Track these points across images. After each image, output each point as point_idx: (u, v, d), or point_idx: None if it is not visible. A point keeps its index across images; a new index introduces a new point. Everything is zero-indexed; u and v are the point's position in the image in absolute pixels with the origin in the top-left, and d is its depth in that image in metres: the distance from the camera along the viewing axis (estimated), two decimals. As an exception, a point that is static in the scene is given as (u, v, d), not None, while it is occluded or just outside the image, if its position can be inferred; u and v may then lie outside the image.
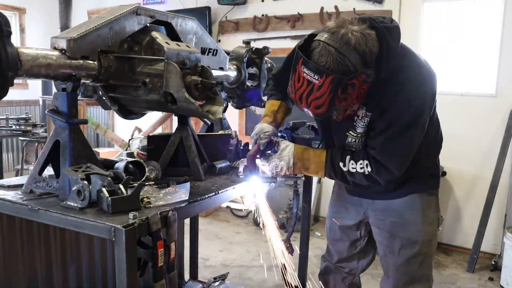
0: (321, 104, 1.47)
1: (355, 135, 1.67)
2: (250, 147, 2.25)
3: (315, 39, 1.50)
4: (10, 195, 1.45)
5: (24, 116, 4.96)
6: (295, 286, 2.20)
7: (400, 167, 1.61)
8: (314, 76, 1.42)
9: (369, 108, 1.60)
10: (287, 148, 1.72)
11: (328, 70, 1.41)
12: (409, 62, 1.59)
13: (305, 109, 1.53)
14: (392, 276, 1.88)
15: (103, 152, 5.61)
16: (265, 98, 2.14)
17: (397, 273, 1.85)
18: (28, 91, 6.60)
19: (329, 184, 4.39)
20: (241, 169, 1.85)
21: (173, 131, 1.83)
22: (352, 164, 1.63)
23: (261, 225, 2.03)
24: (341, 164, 1.65)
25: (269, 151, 1.74)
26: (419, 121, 1.57)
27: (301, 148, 1.73)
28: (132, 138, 2.12)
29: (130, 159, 1.59)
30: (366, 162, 1.61)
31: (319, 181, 4.70)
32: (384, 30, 1.51)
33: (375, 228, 1.90)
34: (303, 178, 2.03)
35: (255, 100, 2.34)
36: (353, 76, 1.43)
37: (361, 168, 1.61)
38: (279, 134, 2.40)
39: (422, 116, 1.57)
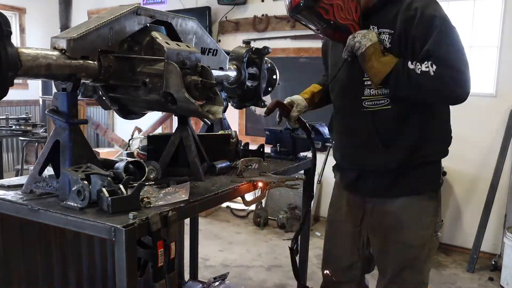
0: (345, 9, 1.60)
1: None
2: (250, 147, 2.25)
3: None
4: (10, 195, 1.45)
5: (24, 116, 4.97)
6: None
7: (463, 61, 1.60)
8: None
9: (382, 26, 1.67)
10: (372, 32, 1.65)
11: None
12: None
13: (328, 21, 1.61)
14: (386, 278, 1.86)
15: (103, 152, 5.61)
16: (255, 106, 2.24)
17: (390, 275, 1.84)
18: (28, 91, 6.60)
19: (329, 184, 4.40)
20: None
21: (173, 131, 1.83)
22: (418, 65, 1.56)
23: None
24: (409, 63, 1.58)
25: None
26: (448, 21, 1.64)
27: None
28: (132, 138, 2.12)
29: (130, 159, 1.60)
30: (430, 62, 1.55)
31: (319, 181, 4.70)
32: None
33: (370, 230, 1.89)
34: (304, 178, 2.03)
35: (255, 100, 2.34)
36: None
37: (426, 67, 1.55)
38: (267, 132, 2.42)
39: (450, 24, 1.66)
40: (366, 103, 1.73)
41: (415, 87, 1.58)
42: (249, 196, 1.80)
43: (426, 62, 1.55)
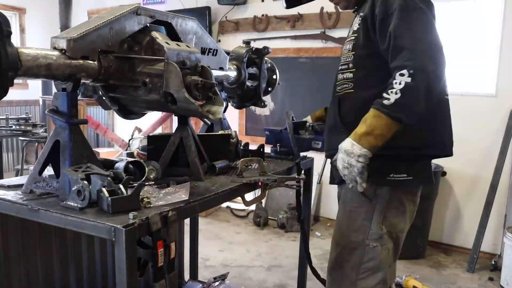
0: None
1: (347, 41, 1.72)
2: (250, 147, 2.25)
3: None
4: (10, 195, 1.46)
5: (24, 116, 4.97)
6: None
7: (428, 45, 1.51)
8: None
9: (359, 12, 1.71)
10: (346, 147, 1.53)
11: None
12: None
13: None
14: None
15: (103, 152, 5.61)
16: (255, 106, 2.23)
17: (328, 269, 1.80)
18: (28, 91, 6.60)
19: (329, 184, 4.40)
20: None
21: (173, 131, 1.83)
22: (392, 92, 1.47)
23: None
24: (384, 101, 1.47)
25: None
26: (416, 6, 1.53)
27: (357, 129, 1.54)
28: (132, 138, 2.12)
29: (130, 159, 1.60)
30: (398, 73, 1.46)
31: (319, 181, 4.70)
32: None
33: None
34: (304, 178, 2.03)
35: (255, 100, 2.34)
36: None
37: (399, 83, 1.46)
38: (267, 132, 2.41)
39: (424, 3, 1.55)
40: (337, 88, 1.79)
41: (413, 105, 1.48)
42: (249, 196, 1.80)
43: (394, 80, 1.46)
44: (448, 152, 1.71)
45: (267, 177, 1.79)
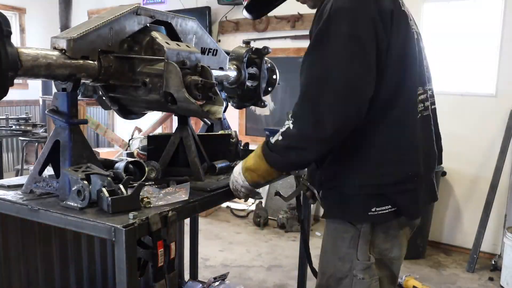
0: None
1: None
2: (250, 147, 2.25)
3: None
4: (10, 195, 1.46)
5: (24, 116, 4.97)
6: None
7: (315, 88, 1.27)
8: None
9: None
10: (235, 173, 1.54)
11: None
12: None
13: None
14: None
15: (103, 152, 5.61)
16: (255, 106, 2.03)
17: None
18: (28, 91, 6.60)
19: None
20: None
21: (173, 131, 1.83)
22: (279, 131, 1.39)
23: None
24: (271, 138, 1.41)
25: None
26: (332, 30, 1.26)
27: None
28: (132, 138, 2.12)
29: (130, 159, 1.60)
30: (289, 114, 1.36)
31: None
32: None
33: None
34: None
35: (255, 100, 2.34)
36: None
37: (285, 125, 1.36)
38: (267, 132, 2.40)
39: (337, 24, 1.25)
40: None
41: (290, 154, 1.36)
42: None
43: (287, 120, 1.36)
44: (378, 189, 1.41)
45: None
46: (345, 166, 1.41)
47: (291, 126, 1.33)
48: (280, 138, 1.37)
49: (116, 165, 1.51)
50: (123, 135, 5.32)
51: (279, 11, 5.22)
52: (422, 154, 1.42)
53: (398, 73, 1.35)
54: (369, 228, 1.44)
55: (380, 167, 1.37)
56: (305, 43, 4.75)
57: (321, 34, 1.29)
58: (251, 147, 2.27)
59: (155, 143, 1.82)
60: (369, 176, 1.38)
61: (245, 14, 1.84)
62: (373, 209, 1.39)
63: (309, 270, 1.85)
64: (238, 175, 1.52)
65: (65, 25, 5.33)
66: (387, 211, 1.39)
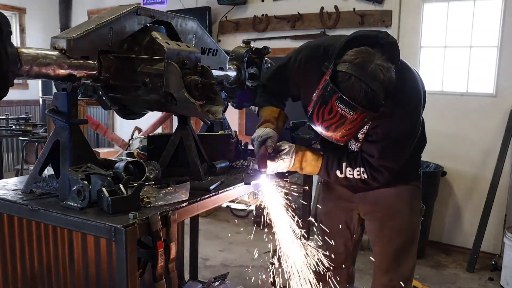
0: (348, 134, 1.56)
1: (355, 142, 1.75)
2: (250, 147, 2.25)
3: (341, 69, 1.49)
4: (10, 195, 1.46)
5: (24, 116, 4.97)
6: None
7: (394, 171, 1.71)
8: (349, 112, 1.46)
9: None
10: (290, 150, 1.76)
11: (362, 108, 1.46)
12: (405, 75, 1.64)
13: (323, 132, 1.57)
14: (382, 262, 1.95)
15: (103, 152, 5.61)
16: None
17: (387, 259, 1.93)
18: (28, 91, 6.60)
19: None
20: (252, 167, 1.90)
21: (173, 131, 1.83)
22: (349, 171, 1.72)
23: (267, 220, 2.01)
24: (337, 172, 1.74)
25: (272, 154, 1.76)
26: (414, 130, 1.70)
27: (302, 150, 1.78)
28: (132, 138, 2.12)
29: (130, 159, 1.59)
30: (362, 169, 1.70)
31: (320, 181, 4.69)
32: (402, 62, 1.63)
33: (366, 220, 1.98)
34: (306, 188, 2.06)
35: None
36: (381, 110, 1.50)
37: (358, 174, 1.71)
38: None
39: (416, 126, 1.70)
40: (350, 149, 1.86)
41: (345, 183, 1.82)
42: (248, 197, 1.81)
43: (358, 169, 1.72)
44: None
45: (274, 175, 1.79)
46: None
47: (364, 176, 1.71)
48: (351, 177, 1.73)
49: (116, 165, 1.51)
50: (123, 135, 5.32)
51: (279, 11, 5.21)
52: None
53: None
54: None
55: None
56: (305, 43, 4.77)
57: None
58: (251, 147, 2.27)
59: (155, 143, 1.82)
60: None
61: None
62: (420, 170, 1.96)
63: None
64: (289, 150, 1.76)
65: (65, 25, 5.33)
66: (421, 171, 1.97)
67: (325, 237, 2.08)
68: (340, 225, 2.02)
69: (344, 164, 1.72)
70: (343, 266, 2.07)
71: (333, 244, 2.04)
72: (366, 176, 1.70)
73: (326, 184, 2.11)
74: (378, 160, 1.67)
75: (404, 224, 1.89)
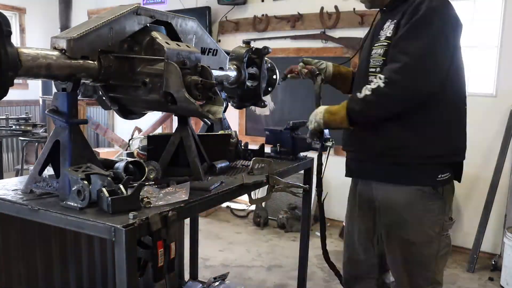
0: None
1: (378, 45, 1.77)
2: (250, 147, 2.25)
3: None
4: (10, 195, 1.46)
5: (24, 116, 4.97)
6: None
7: (418, 60, 1.62)
8: None
9: (393, 18, 1.75)
10: (318, 110, 1.85)
11: None
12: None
13: None
14: (395, 275, 1.89)
15: (103, 152, 5.61)
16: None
17: (398, 272, 1.86)
18: (28, 91, 6.60)
19: (329, 184, 4.40)
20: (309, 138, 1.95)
21: (173, 131, 1.83)
22: (367, 88, 1.68)
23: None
24: (357, 94, 1.71)
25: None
26: (443, 24, 1.64)
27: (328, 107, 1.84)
28: (132, 138, 2.12)
29: (130, 159, 1.60)
30: (379, 76, 1.65)
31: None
32: None
33: (382, 226, 1.89)
34: (307, 188, 2.05)
35: (255, 100, 2.34)
36: None
37: (375, 84, 1.65)
38: (267, 132, 2.41)
39: (446, 23, 1.66)
40: (375, 57, 1.83)
41: (374, 107, 1.70)
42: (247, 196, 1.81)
43: (375, 81, 1.66)
44: (463, 158, 1.86)
45: (275, 180, 1.79)
46: (417, 136, 1.72)
47: (382, 85, 1.63)
48: (369, 93, 1.66)
49: (116, 165, 1.51)
50: (123, 135, 5.32)
51: (279, 11, 5.22)
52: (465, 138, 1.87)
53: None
54: (450, 193, 1.83)
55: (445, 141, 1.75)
56: (305, 43, 4.77)
57: (424, 22, 1.63)
58: (251, 147, 2.27)
59: (155, 143, 1.82)
60: (437, 149, 1.73)
61: None
62: (439, 176, 1.75)
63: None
64: (319, 112, 1.82)
65: (65, 25, 5.33)
66: (447, 177, 1.77)
67: (347, 243, 2.06)
68: (360, 232, 1.98)
69: (363, 87, 1.70)
70: (370, 276, 2.01)
71: (354, 251, 2.01)
72: (382, 83, 1.62)
73: (352, 190, 2.05)
74: (400, 42, 1.65)
75: (412, 236, 1.77)
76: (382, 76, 1.64)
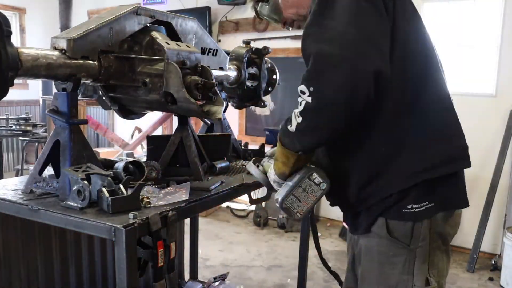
0: None
1: None
2: (249, 147, 2.25)
3: None
4: (10, 195, 1.46)
5: (24, 116, 4.97)
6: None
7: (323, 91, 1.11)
8: None
9: None
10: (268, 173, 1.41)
11: None
12: None
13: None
14: None
15: (103, 152, 5.61)
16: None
17: None
18: (28, 91, 6.60)
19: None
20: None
21: (173, 131, 1.83)
22: (295, 113, 1.21)
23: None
24: (288, 127, 1.23)
25: None
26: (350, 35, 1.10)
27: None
28: (132, 138, 2.12)
29: (130, 159, 1.60)
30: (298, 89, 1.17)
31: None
32: None
33: None
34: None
35: (255, 100, 2.34)
36: None
37: (299, 104, 1.17)
38: (267, 132, 2.40)
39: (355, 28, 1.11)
40: None
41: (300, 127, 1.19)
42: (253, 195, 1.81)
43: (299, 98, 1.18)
44: (466, 163, 1.40)
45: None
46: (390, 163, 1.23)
47: (309, 100, 1.13)
48: (300, 118, 1.17)
49: (116, 165, 1.51)
50: (123, 135, 5.32)
51: (279, 11, 5.14)
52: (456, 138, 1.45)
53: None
54: (427, 244, 1.26)
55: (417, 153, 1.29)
56: (305, 43, 4.77)
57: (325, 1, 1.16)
58: (251, 147, 2.27)
59: (155, 143, 1.82)
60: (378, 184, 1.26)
61: None
62: (408, 206, 1.24)
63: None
64: (271, 174, 1.36)
65: (65, 25, 5.33)
66: (424, 207, 1.26)
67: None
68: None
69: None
70: None
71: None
72: (308, 96, 1.13)
73: None
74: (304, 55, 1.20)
75: None
76: (301, 89, 1.16)
